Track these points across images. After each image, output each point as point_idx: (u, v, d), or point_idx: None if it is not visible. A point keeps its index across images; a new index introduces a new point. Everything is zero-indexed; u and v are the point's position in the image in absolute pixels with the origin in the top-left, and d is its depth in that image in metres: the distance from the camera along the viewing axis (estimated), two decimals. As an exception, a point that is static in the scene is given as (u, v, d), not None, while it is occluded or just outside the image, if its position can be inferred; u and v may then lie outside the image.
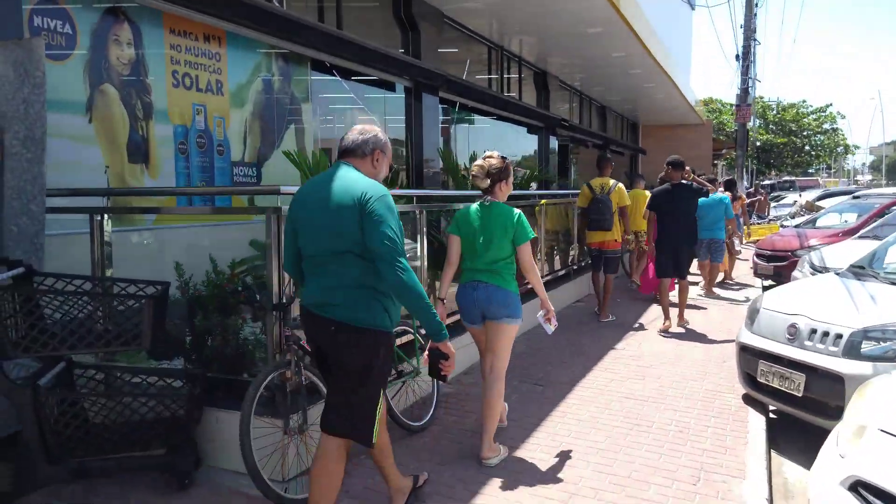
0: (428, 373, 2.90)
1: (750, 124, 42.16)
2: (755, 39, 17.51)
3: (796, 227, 11.65)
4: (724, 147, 30.72)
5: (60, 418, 2.68)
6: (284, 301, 3.03)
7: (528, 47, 12.80)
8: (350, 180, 2.55)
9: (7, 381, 2.48)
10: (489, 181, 3.77)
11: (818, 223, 11.53)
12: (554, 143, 15.23)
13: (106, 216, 3.60)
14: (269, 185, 5.85)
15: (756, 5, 17.57)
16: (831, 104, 45.63)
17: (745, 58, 17.31)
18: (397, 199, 5.50)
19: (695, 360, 6.33)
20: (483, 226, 3.71)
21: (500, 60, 12.56)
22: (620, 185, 8.05)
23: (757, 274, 10.84)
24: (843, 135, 42.59)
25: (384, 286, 2.54)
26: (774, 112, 40.85)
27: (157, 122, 5.36)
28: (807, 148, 41.81)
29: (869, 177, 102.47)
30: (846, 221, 11.06)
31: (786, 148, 40.12)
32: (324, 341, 2.58)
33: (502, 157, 3.84)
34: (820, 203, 18.02)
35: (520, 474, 3.60)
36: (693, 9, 21.28)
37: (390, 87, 9.10)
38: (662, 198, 7.47)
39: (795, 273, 8.19)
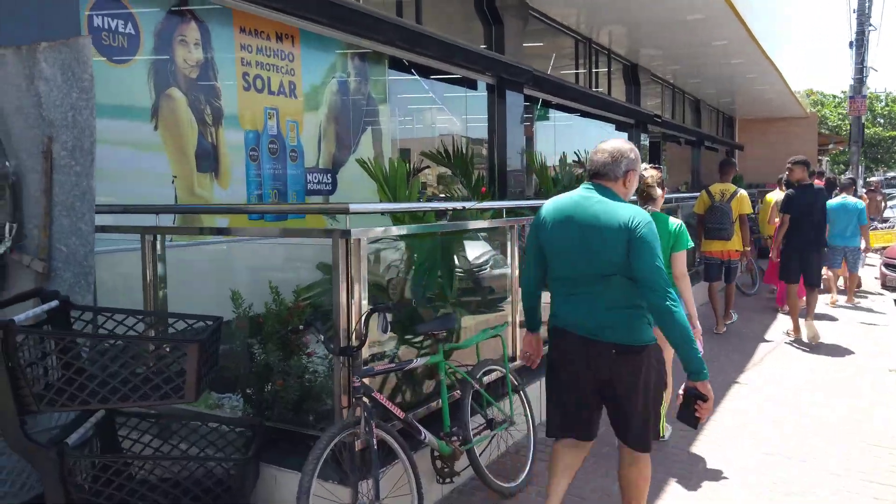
0: (677, 416, 2.59)
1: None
2: (870, 24, 15.80)
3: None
4: (829, 142, 28.40)
5: (94, 482, 2.26)
6: (354, 344, 2.53)
7: (618, 38, 11.94)
8: (612, 205, 2.58)
9: (26, 440, 2.07)
10: (660, 191, 3.84)
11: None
12: (644, 140, 14.26)
13: (158, 236, 3.19)
14: (339, 202, 5.38)
15: (873, -17, 15.90)
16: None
17: (860, 45, 15.64)
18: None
19: (843, 388, 5.31)
20: None
21: (587, 53, 11.77)
22: (743, 192, 7.29)
23: (886, 286, 9.61)
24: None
25: (647, 305, 2.56)
26: (883, 104, 37.66)
27: (227, 127, 5.01)
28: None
29: None
30: None
31: (895, 142, 36.94)
32: (602, 365, 2.61)
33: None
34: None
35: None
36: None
37: (471, 84, 8.54)
38: (797, 200, 6.76)
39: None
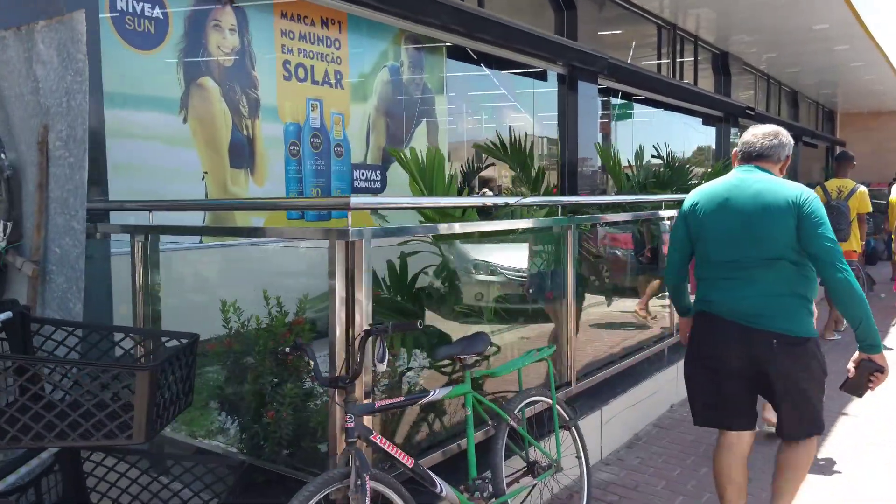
0: (841, 386, 2.57)
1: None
2: None
3: None
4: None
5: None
6: (349, 373, 2.04)
7: (706, 24, 10.98)
8: (776, 184, 2.55)
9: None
10: None
11: None
12: (735, 136, 13.15)
13: (150, 236, 2.81)
14: (339, 196, 4.91)
15: None
16: None
17: None
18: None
19: None
20: None
21: (671, 41, 10.88)
22: (863, 188, 6.57)
23: None
24: None
25: (812, 293, 2.56)
26: None
27: (265, 120, 4.66)
28: None
29: None
30: None
31: None
32: (763, 354, 2.53)
33: None
34: None
35: None
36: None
37: (539, 75, 7.94)
38: None
39: None
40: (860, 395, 2.57)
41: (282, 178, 4.79)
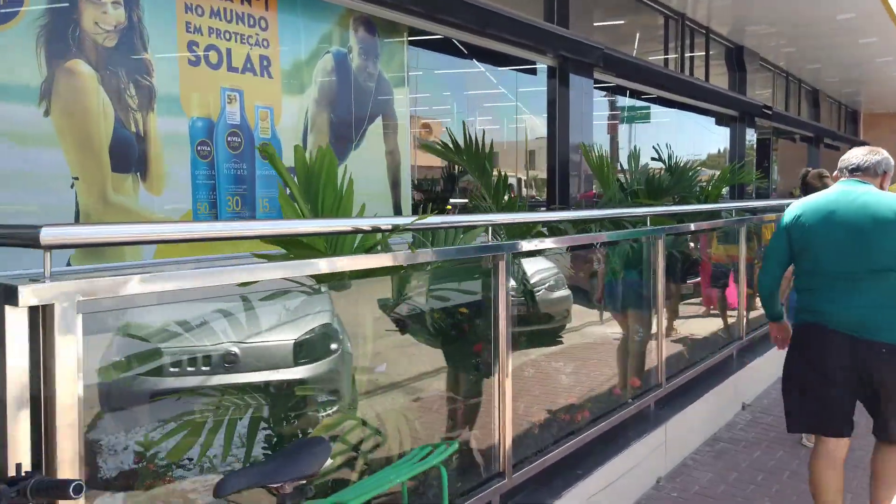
0: None
1: None
2: None
3: None
4: (977, 138, 24.48)
5: None
6: (25, 475, 1.14)
7: (719, 14, 10.01)
8: (884, 196, 2.65)
9: None
10: None
11: None
12: (751, 135, 12.16)
13: None
14: (29, 226, 3.79)
15: None
16: None
17: None
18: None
19: None
20: None
21: (679, 34, 9.93)
22: None
23: None
24: None
25: None
26: None
27: (163, 114, 3.80)
28: None
29: None
30: None
31: None
32: (871, 363, 2.63)
33: None
34: None
35: None
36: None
37: (528, 69, 7.05)
38: None
39: None
40: None
41: (187, 185, 3.94)
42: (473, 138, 3.79)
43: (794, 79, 15.05)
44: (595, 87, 7.99)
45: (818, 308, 2.72)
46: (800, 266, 2.84)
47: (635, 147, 6.09)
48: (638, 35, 9.70)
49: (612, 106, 11.00)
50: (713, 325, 5.51)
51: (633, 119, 10.32)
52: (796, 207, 2.85)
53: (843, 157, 2.91)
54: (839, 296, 2.65)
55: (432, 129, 6.14)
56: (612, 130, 11.16)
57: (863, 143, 20.09)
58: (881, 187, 2.79)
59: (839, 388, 2.69)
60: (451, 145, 3.81)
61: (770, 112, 11.72)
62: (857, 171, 2.79)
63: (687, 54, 10.38)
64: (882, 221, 2.56)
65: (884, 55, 12.65)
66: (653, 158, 6.39)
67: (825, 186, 3.93)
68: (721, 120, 11.97)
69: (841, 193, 2.72)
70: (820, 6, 9.32)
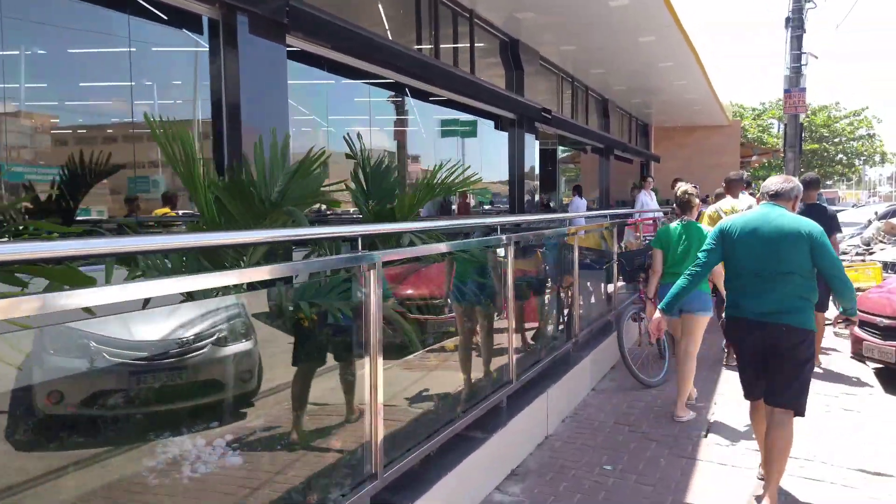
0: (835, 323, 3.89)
1: (775, 130, 37.46)
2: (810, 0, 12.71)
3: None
4: (752, 153, 26.02)
5: None
6: None
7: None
8: (793, 218, 3.44)
9: None
10: (697, 201, 5.08)
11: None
12: (531, 144, 10.73)
13: None
14: None
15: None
16: (867, 107, 40.96)
17: (797, 24, 12.56)
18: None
19: None
20: (685, 239, 4.91)
21: (433, 15, 8.09)
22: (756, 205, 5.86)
23: (862, 356, 6.16)
24: (880, 141, 37.66)
25: (814, 296, 3.44)
26: (803, 116, 36.07)
27: None
28: (839, 156, 37.02)
29: (888, 188, 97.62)
30: None
31: (815, 157, 35.34)
32: (770, 341, 3.41)
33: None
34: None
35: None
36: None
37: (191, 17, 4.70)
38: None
39: None
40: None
41: None
42: None
43: (582, 85, 14.11)
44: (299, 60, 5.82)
45: (738, 302, 3.52)
46: (729, 268, 3.62)
47: (285, 133, 3.92)
48: (383, 13, 7.73)
49: (400, 110, 9.06)
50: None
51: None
52: (729, 221, 3.63)
53: (764, 184, 3.69)
54: (752, 290, 3.46)
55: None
56: (400, 137, 9.18)
57: (654, 157, 20.12)
58: (793, 209, 3.60)
59: (754, 364, 3.55)
60: None
61: (550, 117, 10.34)
62: (775, 197, 3.57)
63: (448, 45, 8.61)
64: (790, 237, 3.37)
65: (665, 59, 11.89)
66: (347, 155, 4.30)
67: (688, 203, 4.98)
68: (500, 124, 10.42)
69: (762, 214, 3.51)
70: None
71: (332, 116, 7.50)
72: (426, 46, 8.06)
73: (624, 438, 4.39)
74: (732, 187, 6.63)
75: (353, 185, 3.71)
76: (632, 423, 4.68)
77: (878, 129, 37.66)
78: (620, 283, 6.92)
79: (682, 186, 5.11)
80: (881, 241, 11.77)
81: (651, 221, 10.02)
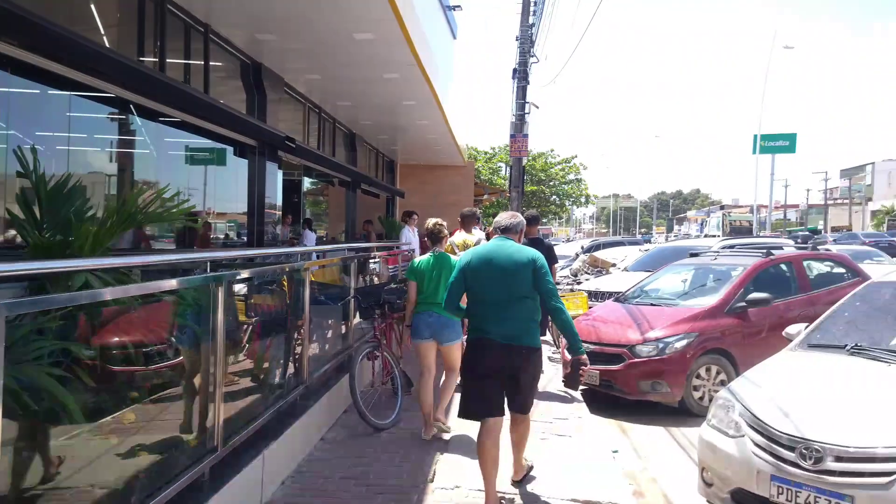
0: (564, 383, 4.40)
1: (503, 172, 41.50)
2: (533, 55, 14.32)
3: (621, 300, 7.94)
4: (484, 192, 28.37)
5: None
6: None
7: (216, 7, 7.74)
8: (519, 249, 4.01)
9: None
10: (446, 232, 5.70)
11: (650, 293, 7.93)
12: (274, 172, 10.27)
13: None
14: None
15: (533, 13, 14.42)
16: (576, 155, 47.36)
17: (522, 76, 14.02)
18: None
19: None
20: (436, 270, 5.38)
21: (159, 26, 7.30)
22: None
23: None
24: (585, 185, 43.80)
25: (539, 315, 4.03)
26: (525, 159, 40.44)
27: None
28: (553, 197, 42.17)
29: (591, 226, 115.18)
30: (694, 291, 7.62)
31: (534, 197, 39.81)
32: (516, 361, 3.92)
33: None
34: (600, 255, 15.29)
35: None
36: (455, 38, 17.99)
37: None
38: None
39: (714, 414, 4.22)
40: (576, 388, 4.91)
41: None
42: None
43: (329, 117, 14.02)
44: None
45: (482, 326, 3.97)
46: (471, 296, 4.07)
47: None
48: (98, 15, 6.75)
49: (124, 129, 7.84)
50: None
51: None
52: (468, 255, 4.13)
53: (495, 220, 4.29)
54: (494, 315, 3.92)
55: None
56: (124, 160, 7.93)
57: (399, 192, 20.80)
58: (519, 240, 4.18)
59: (495, 381, 3.97)
60: None
61: (294, 146, 9.99)
62: (505, 231, 4.17)
63: (183, 62, 7.85)
64: (520, 265, 3.89)
65: (408, 98, 12.31)
66: (18, 174, 3.51)
67: (438, 234, 5.59)
68: (240, 150, 9.79)
69: (496, 246, 4.06)
70: (334, 16, 7.83)
71: (40, 133, 6.36)
72: (150, 59, 7.22)
73: (349, 494, 4.23)
74: (466, 222, 7.07)
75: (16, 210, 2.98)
76: (358, 476, 4.50)
77: (584, 174, 43.68)
78: (357, 320, 6.76)
79: (432, 220, 5.63)
80: (586, 273, 13.39)
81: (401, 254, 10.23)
